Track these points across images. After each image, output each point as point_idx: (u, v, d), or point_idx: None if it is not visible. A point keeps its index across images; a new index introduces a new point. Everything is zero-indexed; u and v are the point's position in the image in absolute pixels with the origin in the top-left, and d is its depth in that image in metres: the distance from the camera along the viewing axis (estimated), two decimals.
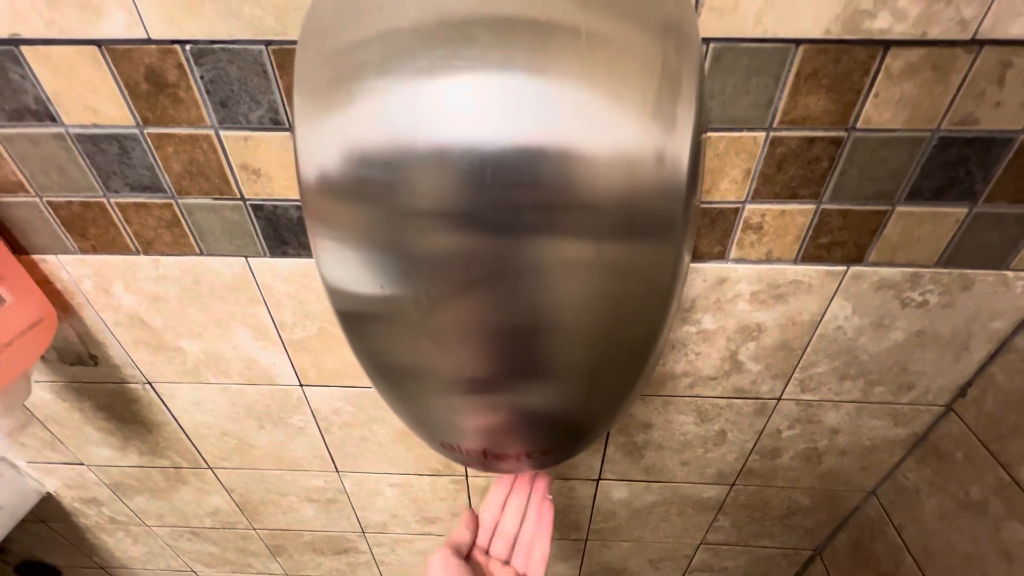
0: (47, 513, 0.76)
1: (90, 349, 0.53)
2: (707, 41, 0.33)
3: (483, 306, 0.23)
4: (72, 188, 0.41)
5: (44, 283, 0.47)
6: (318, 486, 0.69)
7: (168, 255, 0.45)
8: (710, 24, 0.32)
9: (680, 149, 0.21)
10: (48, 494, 0.73)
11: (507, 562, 0.40)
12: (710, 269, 0.44)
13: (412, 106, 0.19)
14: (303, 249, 0.44)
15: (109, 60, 0.35)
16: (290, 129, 0.37)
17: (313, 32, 0.22)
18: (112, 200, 0.42)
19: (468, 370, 0.26)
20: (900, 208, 0.39)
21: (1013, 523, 0.46)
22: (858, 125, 0.35)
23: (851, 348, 0.49)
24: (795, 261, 0.43)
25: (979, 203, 0.39)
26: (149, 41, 0.34)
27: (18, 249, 0.45)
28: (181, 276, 0.46)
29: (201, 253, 0.45)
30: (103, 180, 0.40)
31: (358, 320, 0.26)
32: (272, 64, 0.34)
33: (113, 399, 0.58)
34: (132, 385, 0.57)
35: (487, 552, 0.41)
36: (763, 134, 0.36)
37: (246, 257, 0.45)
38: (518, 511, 0.42)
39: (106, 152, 0.39)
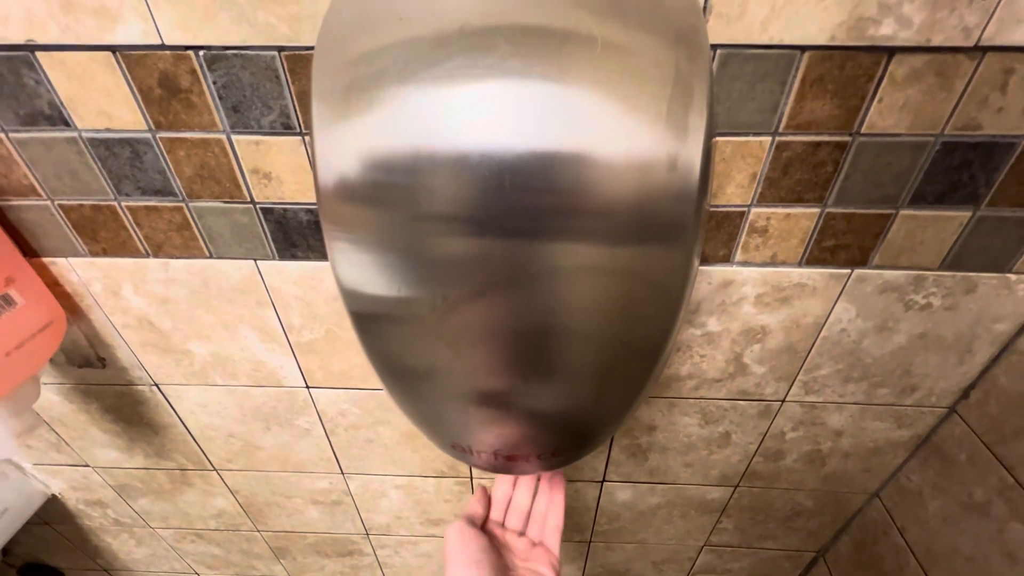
0: (52, 515, 0.76)
1: (98, 351, 0.53)
2: (714, 47, 0.33)
3: (498, 309, 0.23)
4: (84, 192, 0.41)
5: (54, 285, 0.47)
6: (323, 488, 0.69)
7: (177, 258, 0.45)
8: (717, 31, 0.32)
9: (692, 155, 0.21)
10: (53, 496, 0.73)
11: (522, 533, 0.42)
12: (715, 272, 0.44)
13: (431, 113, 0.20)
14: (312, 252, 0.44)
15: (123, 66, 0.35)
16: (301, 134, 0.38)
17: (331, 40, 0.23)
18: (123, 203, 0.42)
19: (482, 372, 0.26)
20: (904, 212, 0.40)
21: (1016, 525, 0.47)
22: (863, 130, 0.36)
23: (855, 350, 0.49)
24: (800, 264, 0.43)
25: (982, 207, 0.39)
26: (163, 47, 0.34)
27: (29, 252, 0.45)
28: (190, 279, 0.47)
29: (210, 256, 0.45)
30: (115, 184, 0.41)
31: (373, 322, 0.27)
32: (284, 70, 0.35)
33: (120, 401, 0.58)
34: (139, 387, 0.57)
35: (502, 525, 0.42)
36: (769, 139, 0.37)
37: (255, 260, 0.45)
38: (529, 487, 0.43)
39: (118, 156, 0.39)
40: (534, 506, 0.43)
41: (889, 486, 0.62)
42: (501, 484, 0.44)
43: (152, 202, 0.42)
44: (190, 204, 0.42)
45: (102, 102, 0.37)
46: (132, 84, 0.36)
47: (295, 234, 0.43)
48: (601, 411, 0.31)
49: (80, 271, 0.46)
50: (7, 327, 0.42)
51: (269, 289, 0.47)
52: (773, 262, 0.43)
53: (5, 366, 0.42)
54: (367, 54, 0.21)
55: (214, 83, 0.35)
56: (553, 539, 0.41)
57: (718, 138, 0.37)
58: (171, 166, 0.40)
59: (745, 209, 0.40)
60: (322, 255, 0.44)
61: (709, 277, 0.44)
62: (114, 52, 0.34)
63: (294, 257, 0.45)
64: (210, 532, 0.79)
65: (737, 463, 0.62)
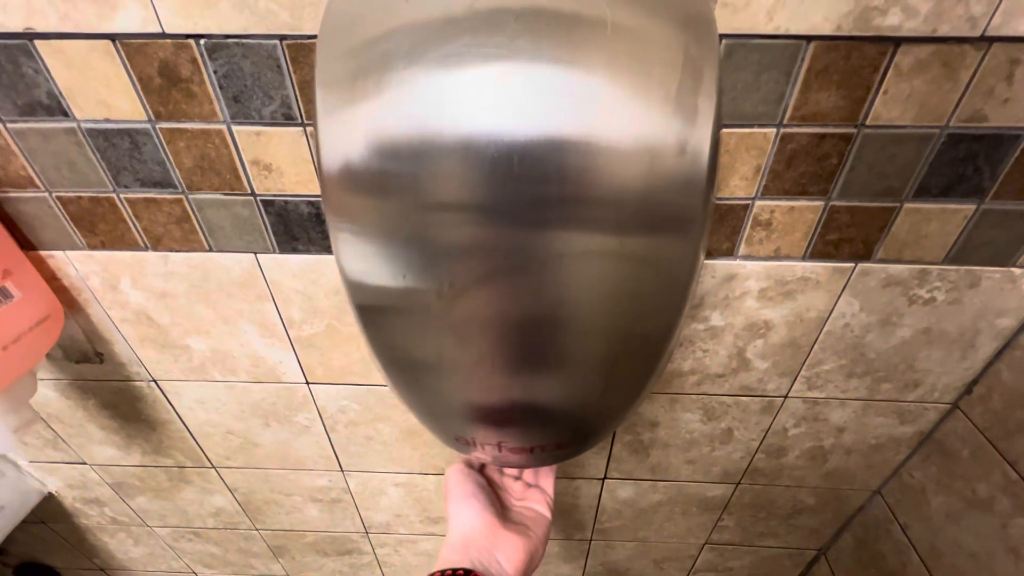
0: (48, 514, 0.76)
1: (96, 346, 0.53)
2: (720, 37, 0.33)
3: (505, 298, 0.23)
4: (82, 183, 0.41)
5: (51, 279, 0.47)
6: (322, 485, 0.68)
7: (177, 251, 0.45)
8: (723, 20, 0.32)
9: (701, 141, 0.21)
10: (49, 494, 0.72)
11: (517, 477, 0.45)
12: (719, 266, 0.44)
13: (439, 95, 0.19)
14: (313, 245, 0.44)
15: (123, 54, 0.35)
16: (302, 125, 0.37)
17: (335, 26, 0.23)
18: (122, 195, 0.42)
19: (488, 363, 0.26)
20: (908, 205, 0.40)
21: (1020, 520, 0.47)
22: (868, 122, 0.36)
23: (858, 345, 0.49)
24: (803, 258, 0.43)
25: (987, 200, 0.39)
26: (164, 35, 0.34)
27: (26, 245, 0.45)
28: (189, 272, 0.46)
29: (210, 249, 0.45)
30: (113, 175, 0.40)
31: (377, 314, 0.26)
32: (286, 59, 0.34)
33: (118, 397, 0.58)
34: (137, 383, 0.56)
35: (501, 471, 0.45)
36: (774, 130, 0.36)
37: (255, 253, 0.45)
38: None
39: (117, 147, 0.39)
40: None
41: (891, 483, 0.62)
42: None
43: (151, 194, 0.41)
44: (190, 196, 0.41)
45: (101, 92, 0.36)
46: (132, 73, 0.35)
47: (296, 227, 0.43)
48: (606, 404, 0.31)
49: (78, 264, 0.46)
50: (4, 321, 0.42)
51: (269, 283, 0.47)
52: (777, 256, 0.43)
53: (2, 360, 0.42)
54: (374, 38, 0.21)
55: (215, 72, 0.35)
56: (547, 481, 0.44)
57: (723, 130, 0.36)
58: (171, 157, 0.39)
59: (749, 202, 0.40)
60: (323, 248, 0.44)
61: (712, 271, 0.44)
62: (113, 41, 0.34)
63: (295, 250, 0.44)
64: (208, 531, 0.78)
65: (739, 460, 0.62)
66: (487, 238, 0.21)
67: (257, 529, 0.77)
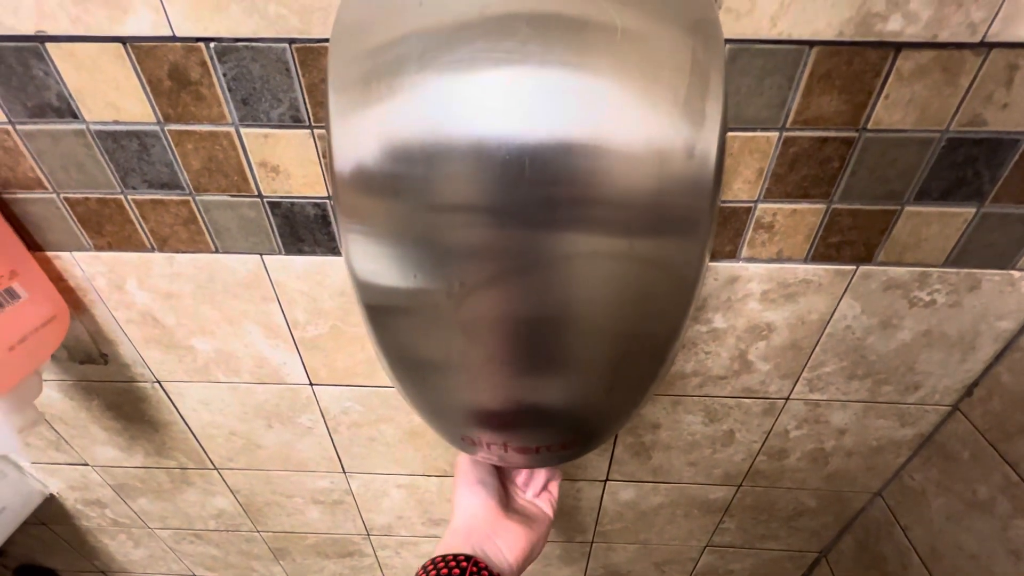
0: (49, 515, 0.75)
1: (101, 347, 0.53)
2: (724, 42, 0.33)
3: (514, 298, 0.23)
4: (90, 185, 0.41)
5: (58, 280, 0.47)
6: (324, 487, 0.68)
7: (183, 252, 0.45)
8: (727, 25, 0.33)
9: (709, 144, 0.21)
10: (51, 495, 0.72)
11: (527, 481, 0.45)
12: (722, 268, 0.44)
13: (451, 99, 0.20)
14: (318, 247, 0.44)
15: (133, 57, 0.35)
16: (310, 127, 0.38)
17: (347, 30, 0.23)
18: (129, 197, 0.42)
19: (495, 363, 0.26)
20: (909, 208, 0.40)
21: (1020, 522, 0.47)
22: (869, 126, 0.36)
23: (859, 348, 0.49)
24: (805, 260, 0.43)
25: (987, 203, 0.39)
26: (174, 39, 0.34)
27: (33, 246, 0.45)
28: (196, 273, 0.46)
29: (216, 251, 0.45)
30: (121, 177, 0.41)
31: (386, 313, 0.27)
32: (295, 62, 0.35)
33: (121, 398, 0.58)
34: (141, 384, 0.56)
35: None
36: (776, 134, 0.37)
37: (261, 255, 0.45)
38: None
39: (126, 149, 0.39)
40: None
41: (892, 485, 0.62)
42: None
43: (159, 195, 0.42)
44: (197, 197, 0.42)
45: (111, 94, 0.37)
46: (142, 76, 0.36)
47: (302, 228, 0.43)
48: (611, 404, 0.31)
49: (84, 265, 0.46)
50: (10, 321, 0.42)
51: (274, 284, 0.47)
52: (779, 258, 0.43)
53: (8, 361, 0.42)
54: (387, 41, 0.21)
55: (224, 75, 0.35)
56: (553, 483, 0.46)
57: (727, 133, 0.37)
58: (179, 159, 0.39)
59: (752, 205, 0.40)
60: (328, 250, 0.44)
61: (715, 273, 0.44)
62: (124, 44, 0.34)
63: (300, 252, 0.44)
64: (209, 533, 0.78)
65: (740, 462, 0.62)
66: (497, 239, 0.22)
67: (258, 531, 0.77)
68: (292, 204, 0.42)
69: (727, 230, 0.42)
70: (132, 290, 0.48)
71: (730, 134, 0.37)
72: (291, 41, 0.34)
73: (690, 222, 0.23)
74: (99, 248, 0.45)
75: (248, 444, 0.63)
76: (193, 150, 0.39)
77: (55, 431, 0.62)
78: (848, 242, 0.42)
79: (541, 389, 0.29)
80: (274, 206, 0.42)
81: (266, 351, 0.52)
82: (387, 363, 0.31)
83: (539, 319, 0.24)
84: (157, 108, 0.37)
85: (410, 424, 0.59)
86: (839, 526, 0.70)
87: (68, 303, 0.48)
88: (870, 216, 0.41)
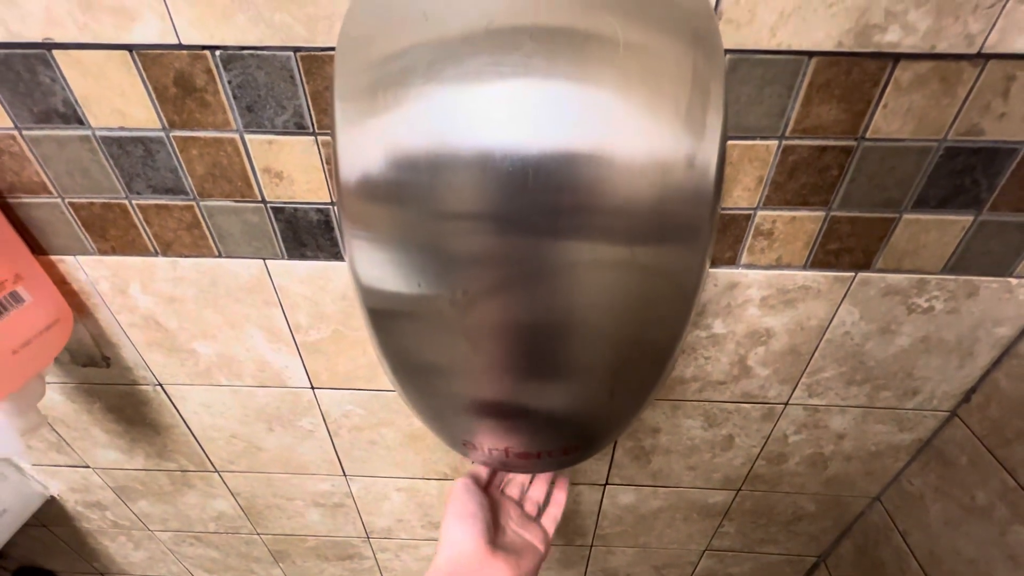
0: (49, 517, 0.76)
1: (103, 350, 0.53)
2: (724, 52, 0.34)
3: (518, 305, 0.24)
4: (95, 189, 0.41)
5: (61, 283, 0.47)
6: (325, 490, 0.69)
7: (187, 257, 0.45)
8: (727, 36, 0.33)
9: (709, 155, 0.22)
10: (51, 497, 0.72)
11: (518, 502, 0.44)
12: (721, 274, 0.44)
13: (457, 111, 0.20)
14: (321, 252, 0.44)
15: (139, 65, 0.35)
16: (314, 134, 0.38)
17: (353, 40, 0.23)
18: (134, 202, 0.42)
19: (498, 368, 0.26)
20: (907, 216, 0.40)
21: (1018, 527, 0.47)
22: (868, 135, 0.37)
23: (858, 353, 0.50)
24: (804, 267, 0.44)
25: (984, 211, 0.40)
26: (180, 47, 0.34)
27: (37, 249, 0.45)
28: (198, 278, 0.47)
29: (219, 255, 0.45)
30: (126, 182, 0.41)
31: (389, 318, 0.27)
32: (300, 70, 0.35)
33: (123, 401, 0.58)
34: (143, 387, 0.57)
35: (502, 491, 0.44)
36: (776, 142, 0.37)
37: (264, 259, 0.45)
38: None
39: (131, 154, 0.39)
40: (533, 489, 0.46)
41: (890, 489, 0.62)
42: None
43: (163, 200, 0.42)
44: (201, 203, 0.42)
45: (117, 101, 0.37)
46: (147, 83, 0.36)
47: (305, 233, 0.43)
48: (612, 409, 0.31)
49: (88, 269, 0.46)
50: (15, 325, 0.42)
51: (277, 288, 0.47)
52: (778, 265, 0.44)
53: (12, 364, 0.42)
54: (393, 53, 0.21)
55: (229, 83, 0.36)
56: (550, 523, 0.44)
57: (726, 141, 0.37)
58: (183, 165, 0.40)
59: (751, 212, 0.41)
60: (331, 255, 0.44)
61: (715, 279, 0.45)
62: (131, 51, 0.35)
63: (303, 257, 0.45)
64: (209, 535, 0.78)
65: (740, 466, 0.62)
66: (501, 248, 0.22)
67: (258, 534, 0.77)
68: (295, 210, 0.42)
69: (727, 237, 0.42)
70: (135, 294, 0.48)
71: (730, 142, 0.37)
72: (296, 49, 0.34)
73: (690, 230, 0.24)
74: (103, 252, 0.45)
75: (249, 447, 0.63)
76: (198, 156, 0.39)
77: (56, 433, 0.62)
78: (847, 249, 0.42)
79: (543, 395, 0.29)
80: (277, 212, 0.42)
81: (268, 355, 0.53)
82: (389, 367, 0.31)
83: (541, 326, 0.25)
84: (162, 114, 0.37)
85: (410, 428, 0.59)
86: (838, 530, 0.71)
87: (71, 306, 0.48)
88: (869, 223, 0.41)
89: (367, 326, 0.29)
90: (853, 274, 0.44)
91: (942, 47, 0.33)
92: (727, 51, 0.34)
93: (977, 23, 0.32)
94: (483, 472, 0.43)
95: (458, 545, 0.37)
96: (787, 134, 0.37)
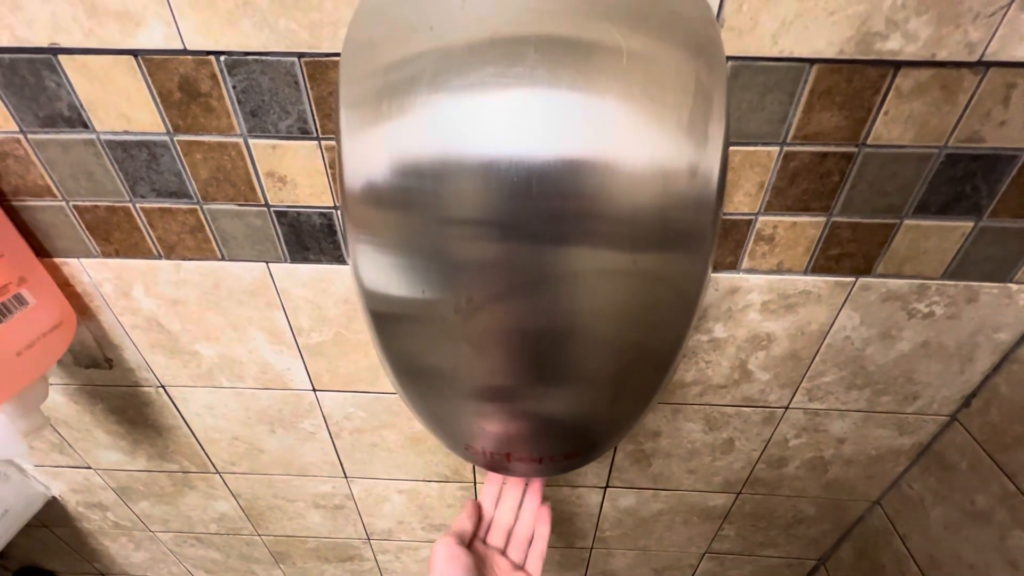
0: (50, 518, 0.76)
1: (106, 352, 0.53)
2: (726, 59, 0.34)
3: (520, 313, 0.24)
4: (99, 193, 0.42)
5: (65, 286, 0.47)
6: (326, 492, 0.69)
7: (190, 260, 0.46)
8: (729, 43, 0.33)
9: (712, 164, 0.22)
10: (53, 498, 0.72)
11: (503, 552, 0.42)
12: (722, 279, 0.45)
13: (463, 119, 0.20)
14: (324, 255, 0.45)
15: (145, 70, 0.35)
16: (318, 139, 0.38)
17: (358, 48, 0.23)
18: (138, 205, 0.42)
19: (501, 374, 0.27)
20: (908, 221, 0.41)
21: (1019, 532, 0.47)
22: (869, 141, 0.37)
23: (858, 358, 0.50)
24: (805, 272, 0.44)
25: (984, 218, 0.40)
26: (185, 52, 0.35)
27: (41, 252, 0.45)
28: (201, 280, 0.47)
29: (223, 258, 0.45)
30: (130, 185, 0.41)
31: (393, 322, 0.27)
32: (304, 76, 0.35)
33: (126, 402, 0.58)
34: (146, 388, 0.57)
35: (484, 541, 0.42)
36: (777, 149, 0.37)
37: (267, 263, 0.45)
38: (513, 506, 0.43)
39: (135, 158, 0.40)
40: (516, 527, 0.43)
41: (891, 493, 0.63)
42: (484, 500, 0.44)
43: (167, 204, 0.42)
44: (204, 206, 0.42)
45: (122, 105, 0.37)
46: (152, 88, 0.36)
47: (308, 237, 0.44)
48: (615, 414, 0.31)
49: (92, 272, 0.47)
50: (19, 327, 0.42)
51: (279, 291, 0.47)
52: (779, 270, 0.44)
53: (16, 366, 0.42)
54: (399, 61, 0.21)
55: (234, 88, 0.36)
56: (535, 565, 0.42)
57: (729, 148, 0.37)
58: (187, 168, 0.40)
59: (752, 217, 0.41)
60: (333, 258, 0.45)
61: (716, 284, 0.45)
62: (136, 56, 0.35)
63: (306, 260, 0.45)
64: (210, 536, 0.78)
65: (740, 470, 0.62)
66: (505, 256, 0.22)
67: (259, 535, 0.77)
68: (298, 214, 0.42)
69: (728, 242, 0.42)
70: (138, 296, 0.48)
71: (732, 148, 0.37)
72: (300, 55, 0.35)
73: (693, 238, 0.24)
74: (107, 255, 0.45)
75: (251, 449, 0.63)
76: (202, 160, 0.40)
77: (59, 434, 0.63)
78: (848, 254, 0.43)
79: (545, 401, 0.29)
80: (280, 215, 0.42)
81: (270, 357, 0.53)
82: (391, 370, 0.31)
83: (544, 333, 0.25)
84: (167, 119, 0.38)
85: (412, 430, 0.60)
86: (838, 534, 0.71)
87: (75, 308, 0.48)
88: (869, 229, 0.41)
89: (370, 329, 0.29)
90: (854, 279, 0.44)
91: (943, 55, 0.33)
92: (729, 58, 0.34)
93: (977, 31, 0.32)
94: (468, 527, 0.41)
95: None
96: (788, 140, 0.37)
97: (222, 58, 0.35)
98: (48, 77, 0.36)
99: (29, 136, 0.39)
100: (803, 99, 0.35)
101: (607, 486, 0.66)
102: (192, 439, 0.62)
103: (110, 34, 0.34)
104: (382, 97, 0.22)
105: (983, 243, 0.41)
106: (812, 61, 0.34)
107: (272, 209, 0.42)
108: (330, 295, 0.47)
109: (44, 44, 0.35)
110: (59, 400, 0.58)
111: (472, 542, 0.41)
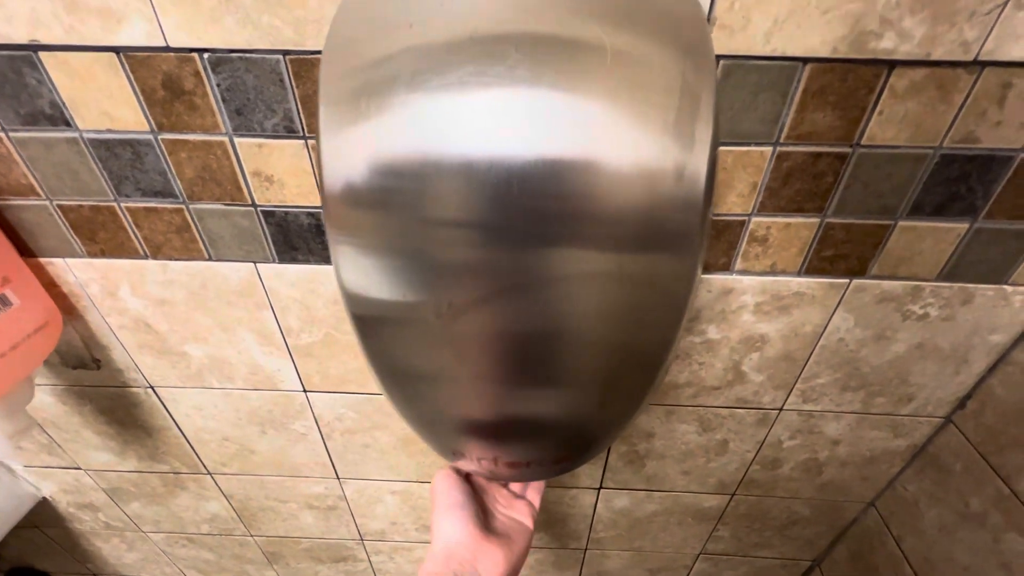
0: (41, 518, 0.75)
1: (93, 352, 0.53)
2: (718, 58, 0.33)
3: (504, 316, 0.23)
4: (83, 192, 0.41)
5: (51, 286, 0.47)
6: (318, 493, 0.68)
7: (177, 260, 0.45)
8: (721, 42, 0.33)
9: (698, 166, 0.21)
10: (43, 499, 0.72)
11: (505, 485, 0.45)
12: (715, 280, 0.44)
13: (442, 119, 0.20)
14: (312, 255, 0.44)
15: (127, 67, 0.35)
16: (304, 138, 0.38)
17: (339, 46, 0.23)
18: (123, 205, 0.42)
19: (486, 378, 0.26)
20: (902, 223, 0.40)
21: (1012, 535, 0.47)
22: (863, 141, 0.36)
23: (853, 360, 0.49)
24: (799, 273, 0.43)
25: (979, 219, 0.40)
26: (168, 49, 0.34)
27: (26, 252, 0.45)
28: (189, 281, 0.46)
29: (210, 258, 0.45)
30: (115, 185, 0.41)
31: (375, 325, 0.27)
32: (289, 73, 0.35)
33: (114, 403, 0.58)
34: (134, 389, 0.56)
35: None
36: (770, 149, 0.37)
37: (255, 263, 0.45)
38: None
39: (119, 157, 0.39)
40: None
41: (885, 495, 0.62)
42: None
43: (152, 203, 0.42)
44: (190, 206, 0.42)
45: (104, 103, 0.37)
46: (135, 85, 0.36)
47: (296, 237, 0.43)
48: (604, 418, 0.31)
49: (77, 272, 0.46)
50: (3, 328, 0.42)
51: (268, 292, 0.47)
52: (773, 271, 0.43)
53: (0, 367, 0.42)
54: (378, 59, 0.21)
55: (218, 86, 0.35)
56: (535, 495, 0.45)
57: (720, 148, 0.37)
58: (172, 167, 0.39)
59: (745, 218, 0.40)
60: (322, 258, 0.44)
61: (709, 285, 0.44)
62: (118, 53, 0.34)
63: (294, 260, 0.44)
64: (202, 536, 0.78)
65: (734, 471, 0.62)
66: (487, 259, 0.22)
67: (252, 536, 0.77)
68: (286, 213, 0.42)
69: (721, 243, 0.42)
70: (125, 297, 0.48)
71: (724, 148, 0.37)
72: (285, 53, 0.34)
73: (680, 240, 0.23)
74: (92, 255, 0.45)
75: (242, 450, 0.62)
76: (187, 159, 0.39)
77: (48, 435, 0.62)
78: (842, 256, 0.42)
79: (532, 404, 0.29)
80: (268, 215, 0.42)
81: (260, 358, 0.52)
82: (375, 373, 0.31)
83: (529, 337, 0.24)
84: (151, 117, 0.37)
85: (404, 431, 0.59)
86: (832, 535, 0.70)
87: (61, 309, 0.48)
88: (864, 230, 0.41)
89: (353, 330, 0.29)
90: (848, 281, 0.44)
91: (938, 54, 0.33)
92: (721, 57, 0.33)
93: (973, 30, 0.32)
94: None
95: (450, 533, 0.37)
96: (781, 140, 0.36)
97: (206, 55, 0.34)
98: (29, 74, 0.36)
99: (11, 134, 0.38)
100: (796, 98, 0.35)
101: (600, 487, 0.65)
102: (182, 440, 0.62)
103: (91, 31, 0.34)
104: (360, 96, 0.21)
105: (978, 244, 0.41)
106: (805, 60, 0.33)
107: (259, 209, 0.41)
108: (319, 296, 0.47)
109: (24, 41, 0.34)
110: (47, 401, 0.58)
111: (470, 476, 0.43)
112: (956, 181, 0.38)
